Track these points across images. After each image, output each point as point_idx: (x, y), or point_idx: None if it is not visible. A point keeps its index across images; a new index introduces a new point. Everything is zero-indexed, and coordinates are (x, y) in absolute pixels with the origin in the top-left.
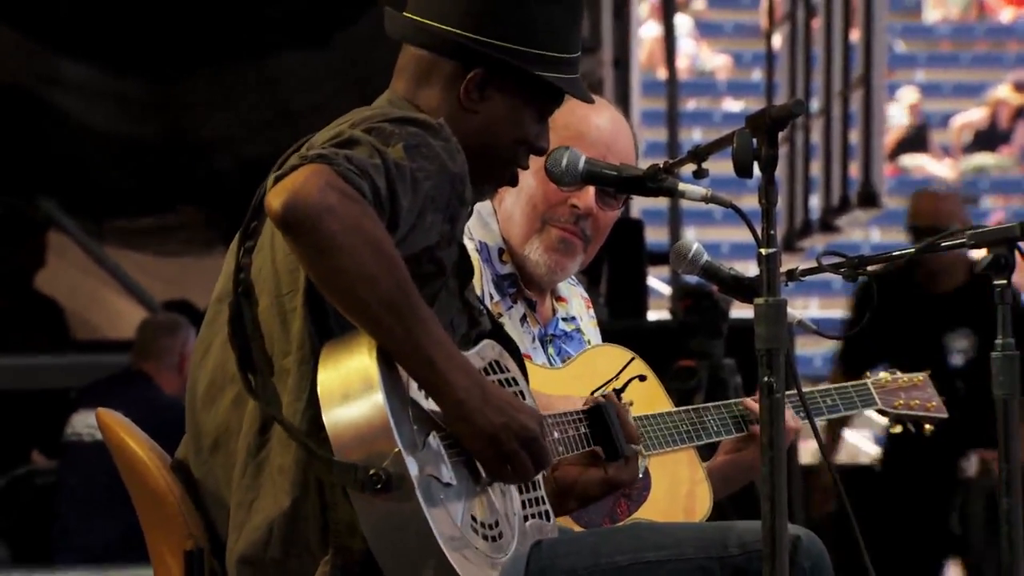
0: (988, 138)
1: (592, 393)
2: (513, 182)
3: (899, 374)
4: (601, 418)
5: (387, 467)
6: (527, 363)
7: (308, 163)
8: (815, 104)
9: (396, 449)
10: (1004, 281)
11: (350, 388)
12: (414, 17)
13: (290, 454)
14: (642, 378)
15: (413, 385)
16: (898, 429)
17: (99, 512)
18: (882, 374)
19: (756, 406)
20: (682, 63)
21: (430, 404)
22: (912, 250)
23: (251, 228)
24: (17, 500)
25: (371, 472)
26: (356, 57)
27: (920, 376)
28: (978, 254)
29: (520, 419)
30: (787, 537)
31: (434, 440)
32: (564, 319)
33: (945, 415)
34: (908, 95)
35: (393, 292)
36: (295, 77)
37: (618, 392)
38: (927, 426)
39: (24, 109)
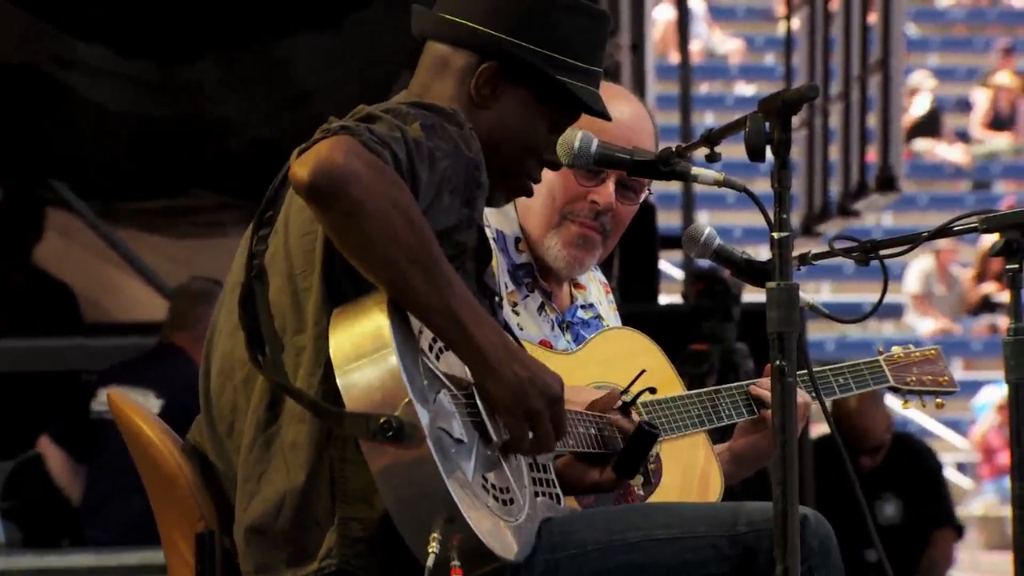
0: (994, 126)
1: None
2: (525, 192)
3: (912, 347)
4: (645, 442)
5: (398, 415)
6: (545, 351)
7: (331, 135)
8: (834, 88)
9: (407, 398)
10: (1016, 265)
11: (362, 349)
12: (439, 14)
13: (303, 429)
14: (652, 390)
15: (424, 346)
16: (909, 405)
17: (126, 489)
18: (895, 348)
19: (762, 391)
20: (695, 47)
21: (442, 365)
22: (925, 234)
23: (266, 217)
24: (28, 483)
25: (382, 420)
26: (366, 41)
27: (932, 349)
28: (990, 238)
29: (544, 378)
30: (797, 518)
31: (445, 397)
32: (583, 306)
33: (956, 389)
34: (921, 79)
35: (420, 252)
36: (305, 60)
37: (628, 405)
38: (938, 400)
39: (36, 91)
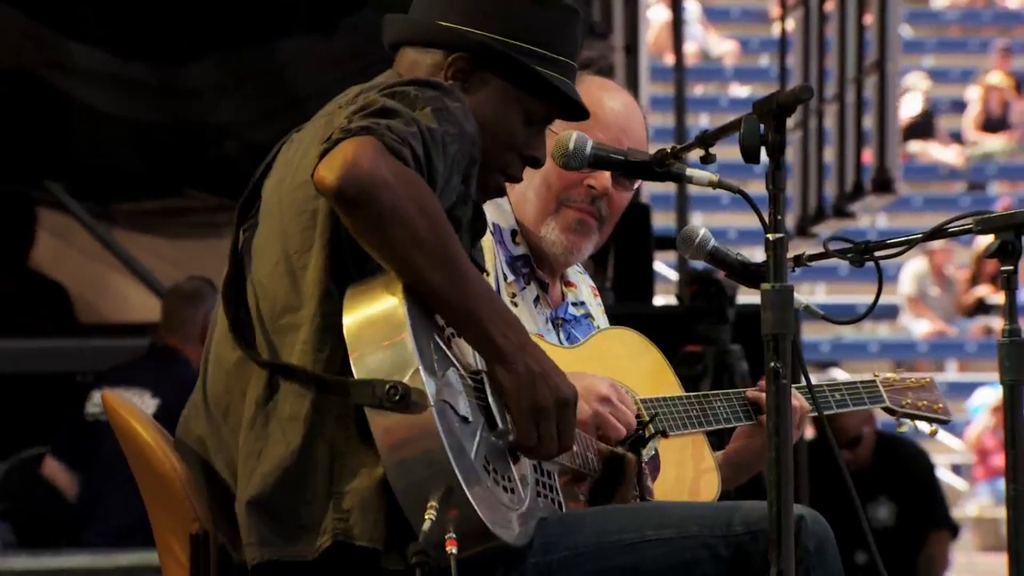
0: (987, 127)
1: (616, 444)
2: (498, 192)
3: (906, 374)
4: (617, 469)
5: (406, 382)
6: (544, 343)
7: (352, 136)
8: (829, 90)
9: (415, 366)
10: (1011, 267)
11: (376, 329)
12: (406, 18)
13: (301, 402)
14: (664, 434)
15: (436, 330)
16: (904, 428)
17: (121, 490)
18: (889, 373)
19: (760, 395)
20: (689, 48)
21: (454, 349)
22: (919, 236)
23: (250, 212)
24: (23, 484)
25: (388, 386)
26: (363, 44)
27: (927, 378)
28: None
29: (557, 380)
30: (792, 520)
31: (454, 376)
32: (574, 304)
33: (951, 418)
34: (916, 80)
35: (443, 254)
36: (302, 63)
37: (642, 440)
38: (932, 427)
39: (32, 93)
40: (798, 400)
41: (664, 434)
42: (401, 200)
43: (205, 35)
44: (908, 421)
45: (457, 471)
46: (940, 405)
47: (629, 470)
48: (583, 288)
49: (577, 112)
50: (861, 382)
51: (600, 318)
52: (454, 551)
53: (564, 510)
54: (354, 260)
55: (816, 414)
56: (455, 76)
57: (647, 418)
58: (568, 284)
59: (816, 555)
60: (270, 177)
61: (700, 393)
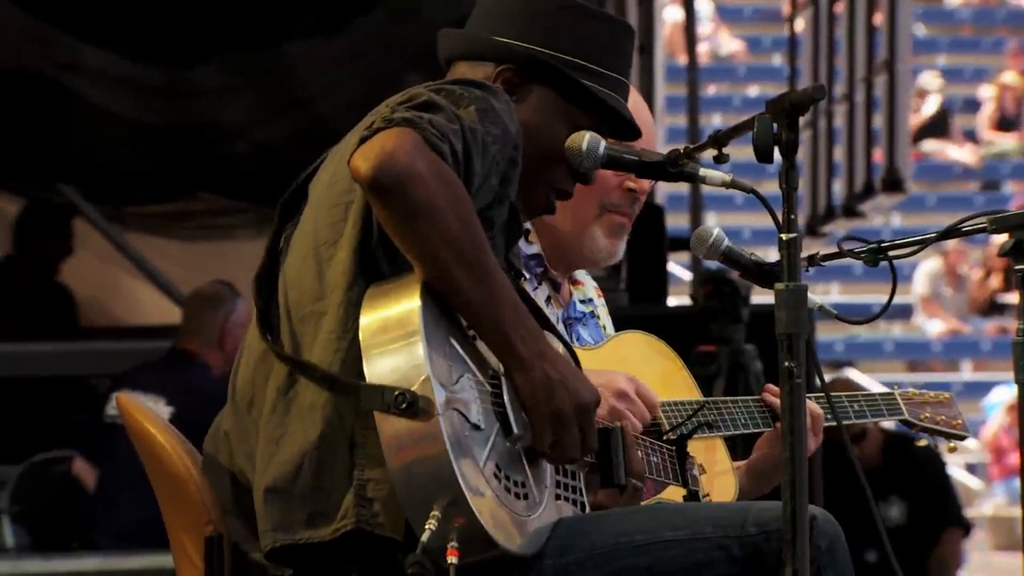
0: (1001, 126)
1: (663, 436)
2: (548, 208)
3: (925, 390)
4: (606, 442)
5: (414, 390)
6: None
7: (393, 126)
8: (838, 89)
9: (425, 375)
10: None
11: (390, 332)
12: (459, 32)
13: (322, 392)
14: (709, 427)
15: (454, 333)
16: (923, 442)
17: (136, 493)
18: (909, 389)
19: (774, 399)
20: (701, 48)
21: (471, 352)
22: (933, 235)
23: (297, 211)
24: (37, 487)
25: (396, 393)
26: (369, 45)
27: (946, 394)
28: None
29: (577, 385)
30: (807, 521)
31: (469, 382)
32: (581, 301)
33: (968, 435)
34: (929, 80)
35: (471, 255)
36: (309, 63)
37: (686, 436)
38: (951, 444)
39: (43, 96)
40: (813, 407)
41: (711, 426)
42: (434, 196)
43: (215, 36)
44: (927, 436)
45: (461, 481)
46: (958, 421)
47: (615, 441)
48: (589, 287)
49: (626, 127)
50: (880, 394)
51: (605, 318)
52: (455, 561)
53: (587, 510)
54: (385, 253)
55: (834, 423)
56: (506, 87)
57: (663, 421)
58: (575, 283)
59: (828, 554)
60: (317, 176)
61: (718, 398)
